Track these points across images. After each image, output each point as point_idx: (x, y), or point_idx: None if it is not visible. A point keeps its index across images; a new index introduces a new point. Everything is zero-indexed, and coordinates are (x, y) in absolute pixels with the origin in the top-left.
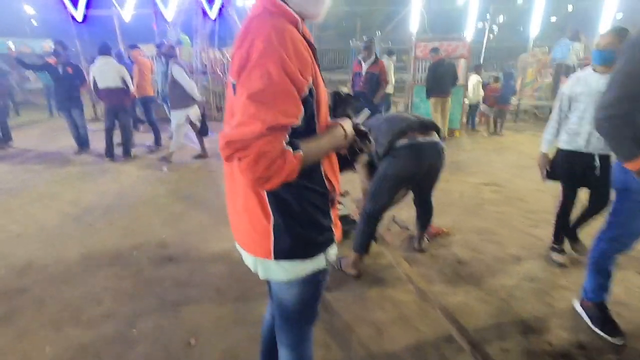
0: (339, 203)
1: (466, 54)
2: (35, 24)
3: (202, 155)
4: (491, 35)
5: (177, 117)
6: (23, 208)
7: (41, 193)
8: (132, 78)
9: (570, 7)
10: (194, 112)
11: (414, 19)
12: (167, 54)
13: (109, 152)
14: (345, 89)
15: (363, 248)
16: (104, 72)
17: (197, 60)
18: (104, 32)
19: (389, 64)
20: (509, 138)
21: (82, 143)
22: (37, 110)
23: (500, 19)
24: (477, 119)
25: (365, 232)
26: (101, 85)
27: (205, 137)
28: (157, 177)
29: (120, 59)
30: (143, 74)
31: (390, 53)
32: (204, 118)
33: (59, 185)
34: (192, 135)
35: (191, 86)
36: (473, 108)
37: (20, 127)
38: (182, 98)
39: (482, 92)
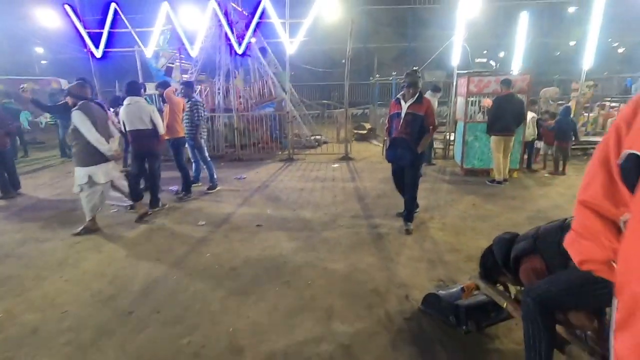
0: (476, 288)
1: (526, 88)
2: (43, 62)
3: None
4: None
5: (78, 177)
6: (40, 285)
7: (60, 261)
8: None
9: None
10: (104, 172)
11: (456, 53)
12: (75, 94)
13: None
14: (367, 125)
15: None
16: (132, 114)
17: (220, 97)
18: (116, 69)
19: (432, 101)
20: (575, 178)
21: None
22: (45, 150)
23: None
24: (534, 158)
25: (539, 336)
26: (129, 127)
27: (136, 202)
28: (196, 235)
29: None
30: (174, 114)
31: (436, 89)
32: (131, 181)
33: (80, 248)
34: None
35: (96, 138)
36: (529, 146)
37: (30, 171)
38: (85, 153)
39: (535, 129)
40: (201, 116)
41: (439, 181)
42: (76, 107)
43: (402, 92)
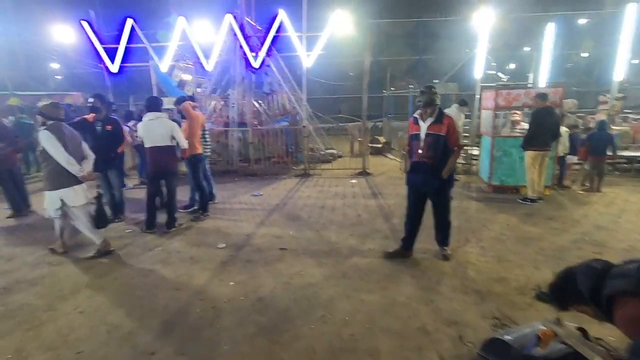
0: (553, 336)
1: (558, 101)
2: (58, 78)
3: (53, 249)
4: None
5: (50, 201)
6: (53, 317)
7: (74, 288)
8: None
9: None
10: (77, 194)
11: (479, 65)
12: (46, 115)
13: (150, 223)
14: (382, 139)
15: None
16: (152, 130)
17: (235, 112)
18: (130, 83)
19: (458, 115)
20: (612, 195)
21: (116, 209)
22: None
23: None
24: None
25: None
26: (148, 143)
27: (101, 228)
28: (216, 259)
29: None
30: (193, 130)
31: (462, 103)
32: (99, 205)
33: (95, 273)
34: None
35: (65, 159)
36: (560, 161)
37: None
38: (55, 175)
39: (567, 144)
40: (204, 131)
41: (466, 199)
42: (44, 127)
43: (419, 111)
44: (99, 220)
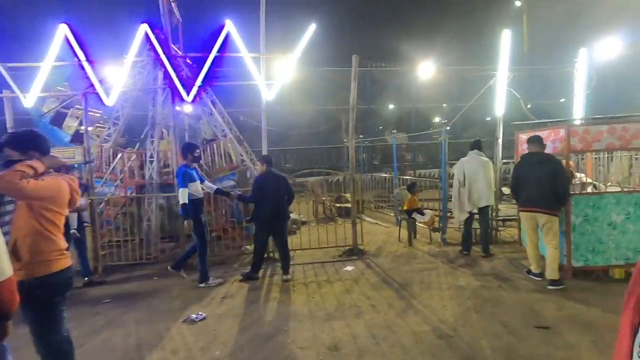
0: None
1: None
2: None
3: None
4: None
5: None
6: None
7: None
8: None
9: None
10: None
11: (500, 99)
12: None
13: None
14: (349, 196)
15: None
16: None
17: (153, 168)
18: None
19: (484, 165)
20: None
21: None
22: None
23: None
24: None
25: None
26: None
27: None
28: None
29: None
30: (32, 212)
31: (476, 146)
32: None
33: None
34: None
35: None
36: None
37: None
38: None
39: None
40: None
41: (564, 298)
42: None
43: None
44: None
